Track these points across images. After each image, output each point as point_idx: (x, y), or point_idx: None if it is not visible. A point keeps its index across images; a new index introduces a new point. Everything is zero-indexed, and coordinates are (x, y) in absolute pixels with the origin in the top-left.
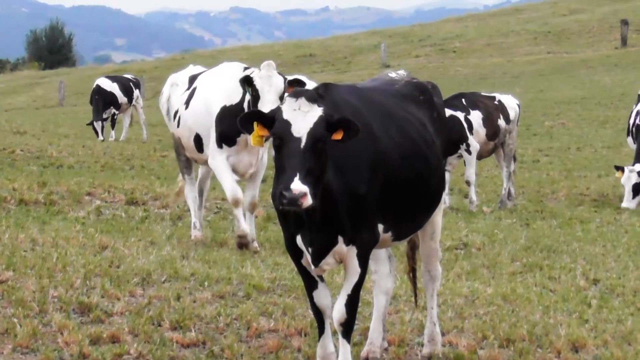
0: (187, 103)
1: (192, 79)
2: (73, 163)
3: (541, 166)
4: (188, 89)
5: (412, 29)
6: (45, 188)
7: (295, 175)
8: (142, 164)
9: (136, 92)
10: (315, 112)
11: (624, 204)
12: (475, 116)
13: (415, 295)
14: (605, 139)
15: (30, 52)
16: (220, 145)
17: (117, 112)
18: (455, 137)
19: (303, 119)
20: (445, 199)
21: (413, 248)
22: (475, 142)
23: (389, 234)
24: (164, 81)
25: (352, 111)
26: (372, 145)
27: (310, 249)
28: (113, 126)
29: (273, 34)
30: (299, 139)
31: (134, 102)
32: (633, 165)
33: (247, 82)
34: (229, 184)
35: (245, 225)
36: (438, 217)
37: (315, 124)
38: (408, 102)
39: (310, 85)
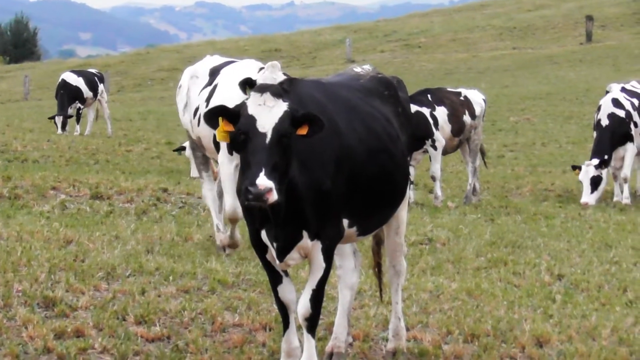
0: (208, 101)
1: (213, 72)
2: (38, 157)
3: (506, 161)
4: (209, 83)
5: (377, 24)
6: (10, 182)
7: (261, 171)
8: (107, 159)
9: (101, 87)
10: (280, 107)
11: (583, 199)
12: (441, 112)
13: (381, 290)
14: (570, 134)
15: None
16: (230, 152)
17: (82, 107)
18: (421, 133)
19: (268, 114)
20: (410, 194)
21: (378, 243)
22: (441, 137)
23: (354, 229)
24: (129, 75)
25: (316, 106)
26: (337, 140)
27: (275, 244)
28: (78, 121)
29: (239, 29)
30: (264, 134)
31: (99, 97)
32: (590, 160)
33: (249, 86)
34: (230, 200)
35: (239, 235)
36: (403, 212)
37: (281, 119)
38: (373, 97)
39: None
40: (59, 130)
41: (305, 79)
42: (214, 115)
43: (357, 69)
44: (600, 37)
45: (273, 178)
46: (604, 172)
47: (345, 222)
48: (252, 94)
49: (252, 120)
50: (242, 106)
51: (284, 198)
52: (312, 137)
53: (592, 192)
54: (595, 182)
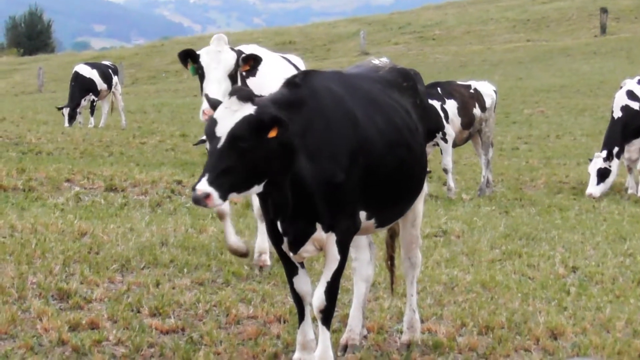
0: None
1: None
2: (52, 149)
3: (520, 154)
4: None
5: (392, 17)
6: (24, 174)
7: (204, 176)
8: (121, 151)
9: (115, 79)
10: (242, 112)
11: (588, 190)
12: (451, 105)
13: (392, 283)
14: (584, 126)
15: (9, 38)
16: None
17: (96, 99)
18: (432, 126)
19: (229, 118)
20: (425, 186)
21: (393, 236)
22: (451, 130)
23: (373, 220)
24: (143, 68)
25: (332, 98)
26: (353, 132)
27: (285, 237)
28: (92, 113)
29: (252, 21)
30: (219, 139)
31: (112, 89)
32: (601, 151)
33: (190, 58)
34: None
35: (234, 238)
36: (420, 205)
37: (238, 123)
38: (392, 88)
39: (296, 66)
40: (66, 124)
41: (325, 70)
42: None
43: (375, 61)
44: (615, 30)
45: (216, 184)
46: (614, 165)
47: (364, 214)
48: (226, 96)
49: (214, 123)
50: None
51: (290, 192)
52: (324, 130)
53: (598, 183)
54: (602, 174)
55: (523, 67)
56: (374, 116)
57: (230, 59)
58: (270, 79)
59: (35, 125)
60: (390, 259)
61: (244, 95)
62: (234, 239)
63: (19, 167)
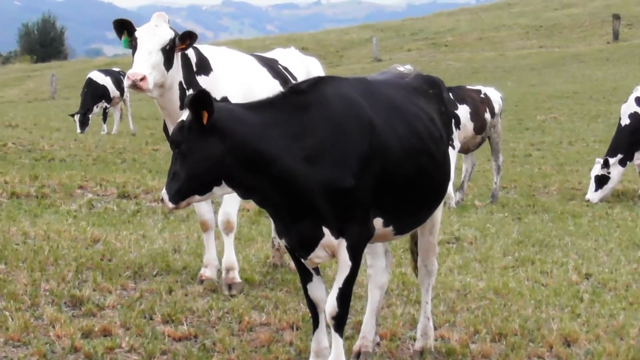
0: None
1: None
2: (65, 156)
3: (533, 160)
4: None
5: (404, 23)
6: (37, 181)
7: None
8: (134, 158)
9: None
10: (181, 117)
11: (587, 195)
12: (463, 110)
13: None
14: (597, 133)
15: (23, 45)
16: None
17: (108, 106)
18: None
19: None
20: (457, 194)
21: (417, 244)
22: (458, 137)
23: (390, 228)
24: None
25: (344, 104)
26: (367, 138)
27: (286, 240)
28: (105, 120)
29: (265, 28)
30: None
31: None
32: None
33: (126, 30)
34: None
35: (211, 253)
36: (438, 212)
37: (173, 130)
38: (418, 95)
39: (298, 61)
40: (78, 130)
41: (346, 77)
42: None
43: (400, 68)
44: (627, 36)
45: (168, 188)
46: (615, 172)
47: (380, 220)
48: None
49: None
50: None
51: (281, 197)
52: (330, 135)
53: (597, 189)
54: (600, 180)
55: (536, 73)
56: (394, 123)
57: (165, 34)
58: (223, 79)
59: (48, 132)
60: (417, 266)
61: (185, 101)
62: (211, 257)
63: (32, 174)
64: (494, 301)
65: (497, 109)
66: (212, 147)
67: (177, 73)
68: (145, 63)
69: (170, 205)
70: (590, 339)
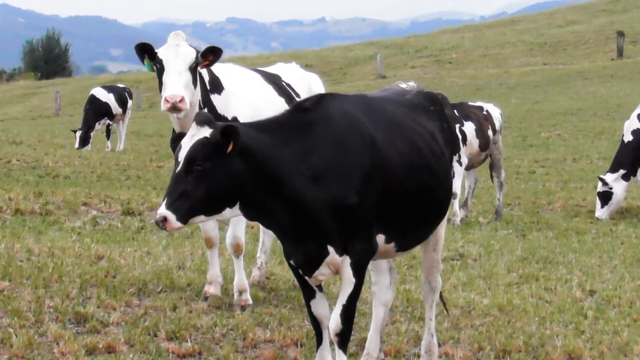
0: None
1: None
2: (69, 173)
3: (537, 177)
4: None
5: (408, 40)
6: (41, 198)
7: (164, 200)
8: (138, 174)
9: (130, 102)
10: (197, 136)
11: (596, 214)
12: (469, 127)
13: (444, 304)
14: (602, 150)
15: (27, 62)
16: None
17: (111, 123)
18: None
19: (188, 143)
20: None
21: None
22: (465, 154)
23: (392, 244)
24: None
25: (347, 121)
26: (369, 155)
27: (292, 260)
28: (108, 136)
29: (269, 45)
30: (179, 163)
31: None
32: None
33: (147, 53)
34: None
35: (214, 270)
36: (441, 229)
37: (191, 147)
38: (419, 112)
39: (299, 77)
40: (76, 145)
41: (347, 94)
42: (177, 141)
43: (402, 85)
44: (632, 53)
45: (174, 208)
46: (618, 187)
47: (382, 237)
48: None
49: (179, 149)
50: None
51: (288, 216)
52: (334, 152)
53: (602, 206)
54: (604, 197)
55: (540, 90)
56: (395, 140)
57: (189, 52)
58: (234, 98)
59: (53, 149)
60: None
61: (202, 119)
62: (215, 273)
63: (36, 190)
64: (498, 318)
65: (497, 125)
66: (233, 167)
67: (198, 91)
68: (179, 83)
69: (177, 225)
70: (594, 355)
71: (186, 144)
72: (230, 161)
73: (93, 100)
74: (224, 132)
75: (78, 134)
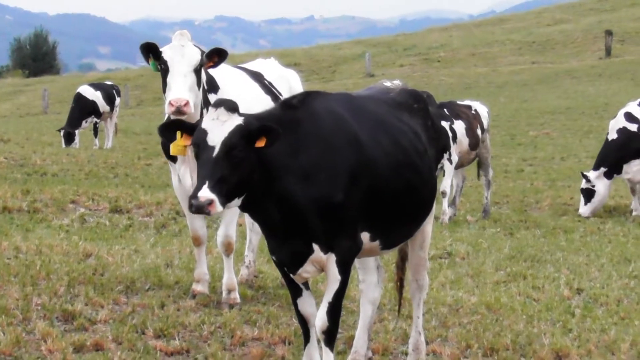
0: None
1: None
2: (57, 171)
3: (525, 176)
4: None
5: (397, 39)
6: (29, 196)
7: (204, 184)
8: (126, 172)
9: (118, 100)
10: (232, 122)
11: (579, 210)
12: (459, 126)
13: (400, 305)
14: (590, 148)
15: (14, 60)
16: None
17: (98, 121)
18: (441, 146)
19: (219, 128)
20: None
21: (404, 258)
22: (455, 152)
23: (377, 242)
24: (148, 89)
25: (333, 120)
26: (354, 153)
27: (275, 257)
28: (96, 134)
29: (258, 43)
30: (212, 148)
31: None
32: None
33: (152, 54)
34: (186, 216)
35: (202, 268)
36: (428, 227)
37: (231, 133)
38: (402, 110)
39: (279, 75)
40: (63, 145)
41: (331, 92)
42: (171, 129)
43: (387, 83)
44: (620, 52)
45: (217, 191)
46: (601, 185)
47: (367, 235)
48: (210, 108)
49: (204, 133)
50: (200, 120)
51: (278, 213)
52: (321, 150)
53: (585, 203)
54: (587, 194)
55: (528, 89)
56: (380, 138)
57: (194, 53)
58: (231, 98)
59: (40, 146)
60: (400, 280)
61: (231, 105)
62: (202, 271)
63: (23, 188)
64: (486, 316)
65: (485, 124)
66: (253, 158)
67: (201, 92)
68: (183, 86)
69: (220, 208)
70: (581, 354)
71: (214, 128)
72: (252, 153)
73: (79, 99)
74: (265, 129)
75: (62, 132)
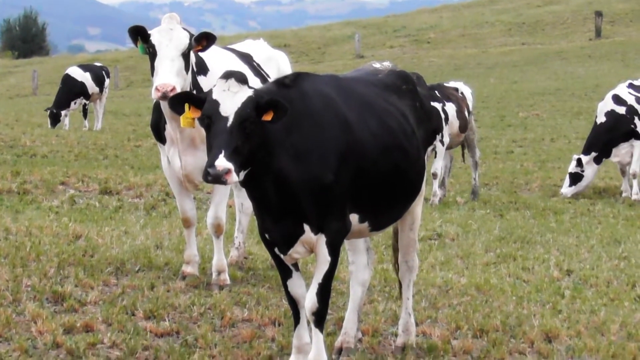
0: None
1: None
2: (47, 152)
3: (515, 157)
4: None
5: (387, 20)
6: (19, 177)
7: (220, 153)
8: (116, 154)
9: (107, 81)
10: (244, 93)
11: (561, 190)
12: (450, 108)
13: (400, 286)
14: (579, 130)
15: (4, 41)
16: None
17: (87, 102)
18: (433, 127)
19: (231, 99)
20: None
21: (399, 241)
22: (447, 133)
23: (366, 224)
24: (138, 70)
25: (323, 101)
26: (344, 135)
27: (268, 236)
28: (85, 116)
29: (248, 24)
30: (226, 118)
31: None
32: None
33: (140, 36)
34: (176, 198)
35: (192, 250)
36: (418, 208)
37: (243, 104)
38: (390, 92)
39: (268, 57)
40: (49, 125)
41: (319, 74)
42: (180, 101)
43: (377, 65)
44: (610, 33)
45: (233, 160)
46: (590, 169)
47: (356, 217)
48: (218, 80)
49: (216, 104)
50: (208, 92)
51: (274, 192)
52: (312, 131)
53: (570, 185)
54: (574, 177)
55: (518, 70)
56: (368, 119)
57: (183, 37)
58: None
59: (30, 128)
60: (398, 263)
61: (241, 77)
62: (192, 253)
63: (13, 170)
64: (476, 297)
65: (470, 105)
66: (260, 131)
67: (190, 76)
68: (170, 72)
69: (236, 178)
70: (571, 335)
71: (226, 99)
72: (259, 126)
73: (67, 80)
74: (274, 103)
75: (49, 113)
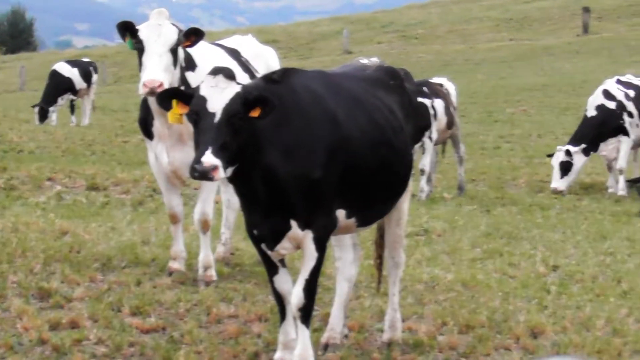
0: None
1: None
2: (34, 148)
3: (502, 153)
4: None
5: (375, 16)
6: (6, 173)
7: (208, 149)
8: (104, 150)
9: (95, 77)
10: (232, 89)
11: (553, 184)
12: (438, 104)
13: (379, 282)
14: (567, 126)
15: None
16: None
17: (75, 98)
18: (422, 123)
19: (219, 95)
20: (425, 187)
21: (383, 236)
22: (435, 129)
23: (353, 219)
24: (126, 66)
25: (311, 97)
26: (332, 131)
27: (256, 232)
28: (72, 111)
29: (236, 20)
30: (213, 114)
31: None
32: (565, 145)
33: (129, 31)
34: (163, 194)
35: (179, 246)
36: (405, 204)
37: (231, 100)
38: (377, 87)
39: (256, 53)
40: (37, 122)
41: (307, 70)
42: (167, 97)
43: (364, 61)
44: (597, 29)
45: (220, 156)
46: (580, 160)
47: (343, 212)
48: (206, 76)
49: (204, 100)
50: (196, 88)
51: (263, 188)
52: (301, 127)
53: (562, 177)
54: (565, 167)
55: (506, 66)
56: (356, 115)
57: (171, 32)
58: None
59: (17, 123)
60: (379, 258)
61: (229, 73)
62: (179, 249)
63: (0, 165)
64: (462, 293)
65: (454, 101)
66: (248, 127)
67: (178, 72)
68: (158, 68)
69: (223, 175)
70: (557, 330)
71: (214, 95)
72: (248, 122)
73: (54, 75)
74: (263, 99)
75: (36, 109)
